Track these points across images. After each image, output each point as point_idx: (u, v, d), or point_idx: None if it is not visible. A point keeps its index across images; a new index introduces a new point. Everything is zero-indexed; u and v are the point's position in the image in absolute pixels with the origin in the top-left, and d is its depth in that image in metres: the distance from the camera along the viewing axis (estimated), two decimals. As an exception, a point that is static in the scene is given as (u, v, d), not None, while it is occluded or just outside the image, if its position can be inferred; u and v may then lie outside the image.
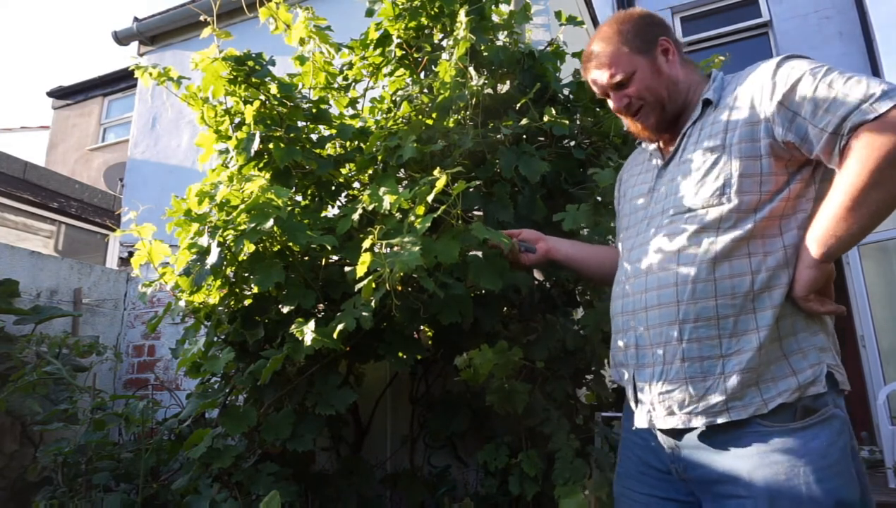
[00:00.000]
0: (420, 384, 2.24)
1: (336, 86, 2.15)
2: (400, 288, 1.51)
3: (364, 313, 1.47)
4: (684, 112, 1.12)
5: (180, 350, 1.93)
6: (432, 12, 2.02)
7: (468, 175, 1.67)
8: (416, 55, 2.09)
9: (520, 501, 1.84)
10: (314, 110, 1.93)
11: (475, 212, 1.76)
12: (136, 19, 4.85)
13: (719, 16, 6.50)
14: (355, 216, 1.60)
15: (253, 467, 1.76)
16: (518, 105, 1.96)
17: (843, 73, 0.92)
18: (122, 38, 4.95)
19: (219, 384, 1.97)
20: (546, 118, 1.80)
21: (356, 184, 2.05)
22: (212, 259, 1.57)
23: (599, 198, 1.83)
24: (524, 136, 1.90)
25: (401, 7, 2.03)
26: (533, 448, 1.80)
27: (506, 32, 2.06)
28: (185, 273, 1.71)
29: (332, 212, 1.96)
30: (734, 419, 0.94)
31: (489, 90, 1.97)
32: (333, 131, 1.95)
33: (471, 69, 1.91)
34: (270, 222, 1.53)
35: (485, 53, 1.94)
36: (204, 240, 1.61)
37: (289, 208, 1.70)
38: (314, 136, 1.96)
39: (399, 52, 2.11)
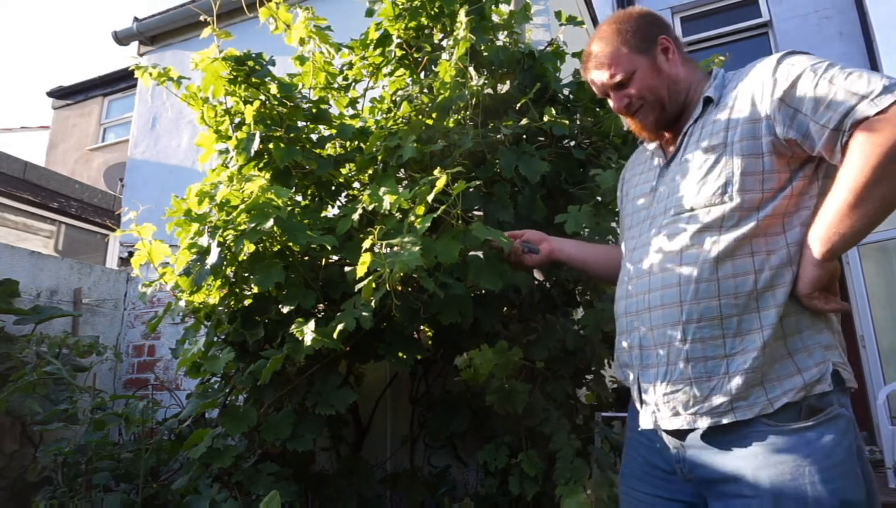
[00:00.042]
0: (420, 384, 2.24)
1: (336, 86, 2.16)
2: (400, 288, 1.51)
3: (364, 313, 1.47)
4: (685, 111, 1.11)
5: (180, 350, 1.93)
6: (432, 12, 2.02)
7: (468, 175, 1.67)
8: (416, 55, 2.09)
9: (520, 501, 1.84)
10: (314, 110, 1.93)
11: (475, 212, 1.76)
12: (136, 19, 4.85)
13: (719, 16, 6.50)
14: (355, 216, 1.60)
15: (253, 467, 1.76)
16: (518, 105, 1.96)
17: (843, 68, 0.91)
18: (122, 38, 4.95)
19: (219, 384, 1.98)
20: (546, 118, 1.80)
21: (356, 184, 2.05)
22: (212, 259, 1.57)
23: (599, 199, 1.83)
24: (524, 136, 1.90)
25: (401, 7, 2.03)
26: (533, 448, 1.80)
27: (506, 32, 2.06)
28: (185, 273, 1.71)
29: (332, 212, 1.96)
30: (739, 419, 0.94)
31: (489, 90, 1.98)
32: (333, 131, 1.95)
33: (471, 69, 1.91)
34: (270, 222, 1.53)
35: (485, 53, 1.94)
36: (204, 240, 1.61)
37: (289, 208, 1.70)
38: (314, 136, 1.96)
39: (399, 52, 2.11)
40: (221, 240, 1.59)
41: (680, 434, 1.02)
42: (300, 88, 2.02)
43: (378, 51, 2.14)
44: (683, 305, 0.99)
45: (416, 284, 1.66)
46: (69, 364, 2.76)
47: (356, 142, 2.01)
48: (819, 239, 0.91)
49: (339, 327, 1.45)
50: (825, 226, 0.90)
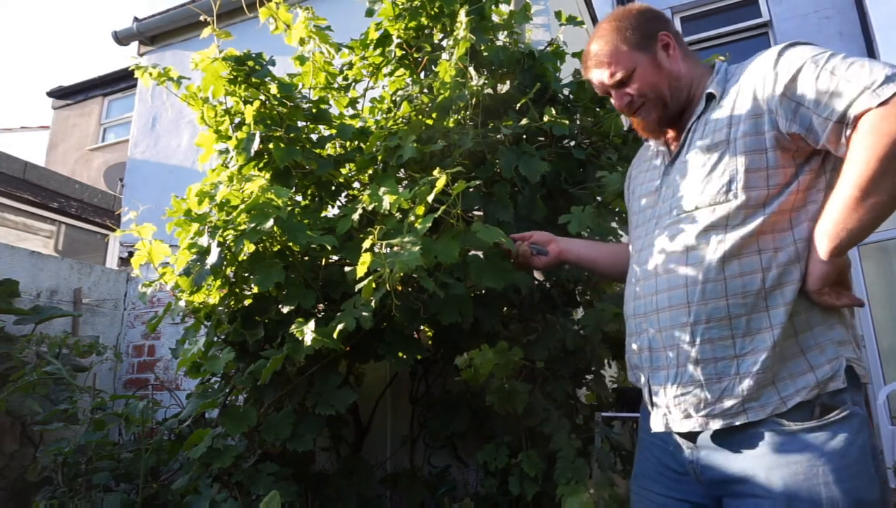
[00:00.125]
0: (420, 384, 2.24)
1: (336, 86, 2.16)
2: (400, 288, 1.51)
3: (364, 313, 1.47)
4: (688, 107, 1.10)
5: (180, 350, 1.93)
6: (432, 12, 2.02)
7: (468, 175, 1.67)
8: (416, 55, 2.09)
9: (520, 501, 1.84)
10: (314, 110, 1.93)
11: (475, 212, 1.76)
12: (136, 19, 4.85)
13: (719, 16, 6.50)
14: (355, 216, 1.60)
15: (253, 467, 1.76)
16: (518, 105, 1.96)
17: (845, 58, 0.89)
18: (122, 38, 4.95)
19: (219, 384, 1.98)
20: (546, 118, 1.80)
21: (356, 184, 2.05)
22: (212, 259, 1.57)
23: (599, 199, 1.83)
24: (524, 136, 1.90)
25: (401, 7, 2.03)
26: (533, 448, 1.80)
27: (506, 32, 2.06)
28: (185, 273, 1.71)
29: (332, 212, 1.96)
30: (752, 420, 0.93)
31: (489, 90, 1.97)
32: (333, 131, 1.95)
33: (471, 69, 1.91)
34: (270, 222, 1.53)
35: (485, 53, 1.94)
36: (204, 240, 1.61)
37: (289, 208, 1.70)
38: (314, 136, 1.96)
39: (399, 52, 2.11)
40: (221, 240, 1.59)
41: (692, 436, 1.01)
42: (300, 88, 2.02)
43: (378, 51, 2.14)
44: (691, 306, 0.98)
45: (416, 284, 1.67)
46: (69, 364, 2.76)
47: (356, 142, 2.01)
48: (826, 235, 0.89)
49: (339, 327, 1.45)
50: (832, 221, 0.88)
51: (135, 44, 5.00)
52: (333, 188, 1.98)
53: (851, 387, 0.92)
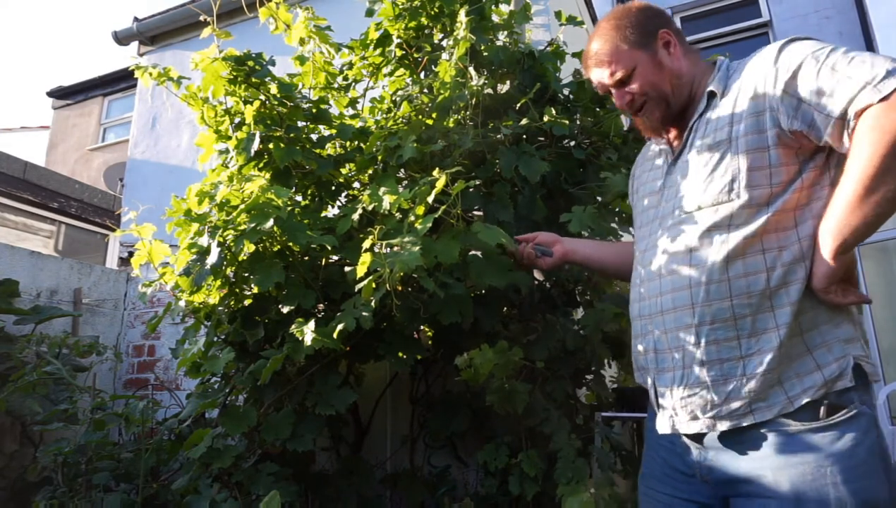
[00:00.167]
0: (420, 384, 2.24)
1: (336, 86, 2.16)
2: (400, 288, 1.51)
3: (364, 313, 1.47)
4: (690, 105, 1.08)
5: (180, 350, 1.93)
6: (432, 12, 2.02)
7: (468, 175, 1.67)
8: (416, 55, 2.09)
9: (520, 501, 1.84)
10: (314, 110, 1.93)
11: (475, 212, 1.76)
12: (136, 19, 4.85)
13: (719, 16, 6.50)
14: (355, 216, 1.60)
15: (253, 467, 1.76)
16: (518, 105, 1.96)
17: (846, 52, 0.88)
18: (122, 38, 4.95)
19: (219, 384, 1.98)
20: (546, 118, 1.80)
21: (356, 184, 2.05)
22: (212, 259, 1.57)
23: (600, 199, 1.83)
24: (524, 136, 1.90)
25: (401, 7, 2.03)
26: (533, 448, 1.80)
27: (506, 32, 2.06)
28: (185, 273, 1.71)
29: (332, 212, 1.96)
30: (759, 420, 0.92)
31: (489, 90, 1.98)
32: (333, 131, 1.95)
33: (471, 69, 1.91)
34: (270, 222, 1.53)
35: (485, 53, 1.94)
36: (204, 240, 1.61)
37: (289, 208, 1.70)
38: (314, 136, 1.96)
39: (399, 52, 2.11)
40: (221, 240, 1.59)
41: (698, 437, 1.00)
42: (300, 88, 2.03)
43: (378, 51, 2.14)
44: (695, 307, 0.97)
45: (416, 284, 1.67)
46: (69, 364, 2.76)
47: (356, 142, 2.01)
48: (830, 233, 0.88)
49: (339, 327, 1.45)
50: (836, 219, 0.87)
51: (135, 44, 5.00)
52: (333, 188, 1.98)
53: (859, 386, 0.90)
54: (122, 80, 10.05)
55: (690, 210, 1.00)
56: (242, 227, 1.55)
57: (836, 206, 0.88)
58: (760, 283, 0.93)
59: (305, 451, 1.74)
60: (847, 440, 0.87)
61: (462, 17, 1.79)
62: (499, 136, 1.84)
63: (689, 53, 1.11)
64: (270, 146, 1.79)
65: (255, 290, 1.82)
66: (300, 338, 1.50)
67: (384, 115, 2.12)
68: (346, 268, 1.71)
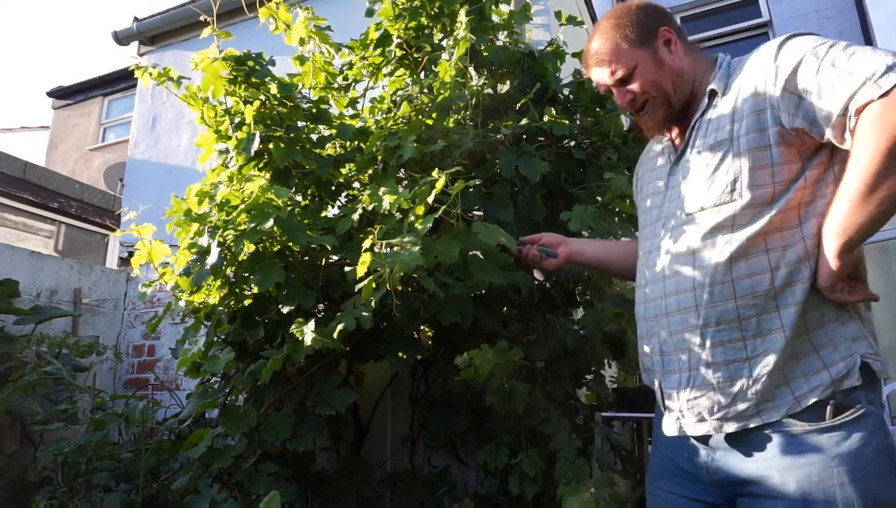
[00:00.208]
0: (420, 384, 2.24)
1: (336, 86, 2.16)
2: (400, 288, 1.51)
3: (364, 313, 1.47)
4: (692, 103, 1.07)
5: (180, 350, 1.93)
6: (432, 12, 2.02)
7: (468, 175, 1.67)
8: (416, 55, 2.10)
9: (520, 501, 1.84)
10: (314, 110, 1.93)
11: (475, 212, 1.76)
12: (136, 19, 4.85)
13: (719, 16, 6.50)
14: (355, 216, 1.60)
15: (253, 467, 1.76)
16: (518, 105, 1.96)
17: (847, 47, 0.87)
18: (122, 38, 4.95)
19: (219, 384, 1.98)
20: (546, 118, 1.80)
21: (356, 184, 2.05)
22: (212, 259, 1.57)
23: (599, 199, 1.83)
24: (524, 136, 1.90)
25: (401, 7, 2.03)
26: (533, 448, 1.80)
27: (506, 32, 2.06)
28: (185, 273, 1.71)
29: (332, 212, 1.96)
30: (766, 421, 0.92)
31: (489, 90, 1.98)
32: (333, 131, 1.95)
33: (471, 69, 1.91)
34: (270, 222, 1.53)
35: (485, 53, 1.94)
36: (204, 240, 1.61)
37: (289, 208, 1.70)
38: (314, 136, 1.96)
39: (399, 52, 2.11)
40: (221, 240, 1.59)
41: (704, 438, 1.00)
42: (300, 88, 2.03)
43: (378, 51, 2.14)
44: (700, 309, 0.96)
45: (416, 284, 1.67)
46: (69, 364, 2.76)
47: (356, 142, 2.01)
48: (834, 232, 0.87)
49: (339, 327, 1.45)
50: (839, 218, 0.86)
51: (135, 44, 5.00)
52: (333, 188, 1.98)
53: (867, 384, 0.89)
54: (122, 80, 10.05)
55: (693, 211, 1.00)
56: (242, 227, 1.55)
57: (839, 205, 0.87)
58: (765, 284, 0.92)
59: (305, 451, 1.74)
60: (854, 440, 0.87)
61: (462, 17, 1.79)
62: (499, 136, 1.84)
63: (691, 51, 1.10)
64: (270, 146, 1.79)
65: (255, 290, 1.82)
66: (300, 338, 1.50)
67: (384, 115, 2.12)
68: (346, 268, 1.71)
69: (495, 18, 2.06)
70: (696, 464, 1.02)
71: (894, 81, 0.80)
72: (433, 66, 2.02)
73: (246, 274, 1.77)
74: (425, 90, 1.95)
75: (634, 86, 1.07)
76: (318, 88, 2.09)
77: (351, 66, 2.19)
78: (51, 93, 10.99)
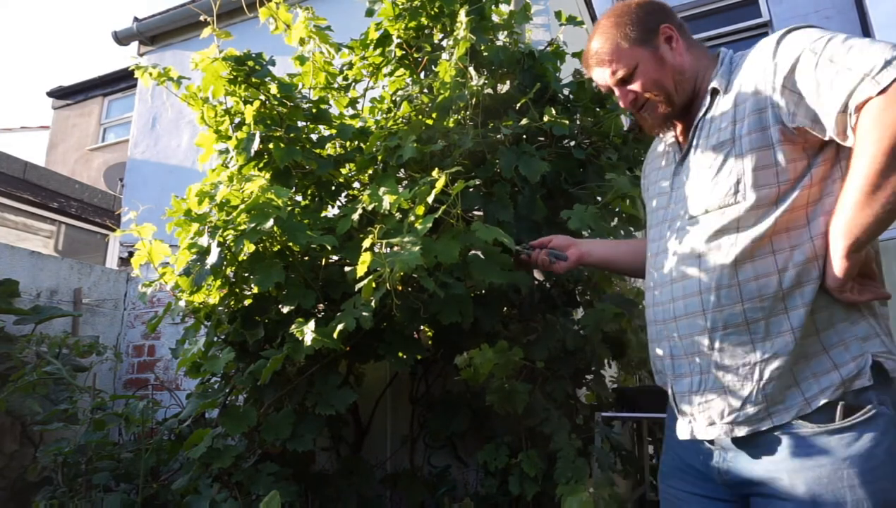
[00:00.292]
0: (420, 384, 2.24)
1: (336, 86, 2.16)
2: (400, 287, 1.51)
3: (364, 313, 1.47)
4: (695, 100, 1.05)
5: (180, 350, 1.93)
6: (432, 12, 2.02)
7: (468, 175, 1.67)
8: (416, 55, 2.10)
9: (520, 501, 1.84)
10: (314, 110, 1.93)
11: (475, 212, 1.76)
12: (136, 19, 4.85)
13: (719, 16, 6.50)
14: (355, 216, 1.60)
15: (253, 467, 1.76)
16: (518, 105, 1.96)
17: (846, 41, 0.85)
18: (122, 38, 4.95)
19: (219, 384, 1.98)
20: (546, 118, 1.80)
21: (356, 184, 2.05)
22: (212, 259, 1.57)
23: (599, 199, 1.83)
24: (524, 136, 1.90)
25: (401, 7, 2.03)
26: (533, 448, 1.80)
27: (506, 32, 2.06)
28: (185, 273, 1.71)
29: (332, 212, 1.96)
30: (777, 424, 0.91)
31: (489, 90, 1.98)
32: (333, 131, 1.95)
33: (471, 69, 1.91)
34: (270, 222, 1.53)
35: (485, 53, 1.94)
36: (204, 240, 1.61)
37: (289, 208, 1.70)
38: (314, 136, 1.96)
39: (399, 52, 2.11)
40: (221, 240, 1.59)
41: (715, 440, 1.00)
42: (300, 88, 2.03)
43: (378, 51, 2.14)
44: (707, 313, 0.95)
45: (416, 284, 1.67)
46: (69, 364, 2.76)
47: (356, 142, 2.01)
48: (841, 233, 0.86)
49: (339, 327, 1.45)
50: (845, 218, 0.85)
51: (135, 44, 5.00)
52: (333, 188, 1.98)
53: (878, 384, 0.88)
54: (122, 80, 10.05)
55: (697, 213, 0.99)
56: (242, 227, 1.55)
57: (844, 205, 0.85)
58: (772, 286, 0.90)
59: (305, 451, 1.74)
60: (864, 441, 0.85)
61: (462, 17, 1.79)
62: (499, 136, 1.84)
63: (693, 47, 1.08)
64: (270, 146, 1.79)
65: (255, 290, 1.82)
66: (300, 338, 1.50)
67: (384, 115, 2.12)
68: (346, 268, 1.71)
69: (495, 18, 2.06)
70: (708, 465, 1.01)
71: (893, 76, 0.78)
72: (433, 66, 2.02)
73: (246, 274, 1.77)
74: (425, 90, 1.95)
75: (636, 86, 1.06)
76: (318, 88, 2.09)
77: (351, 66, 2.19)
78: (51, 94, 11.00)
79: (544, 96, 2.01)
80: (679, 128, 1.10)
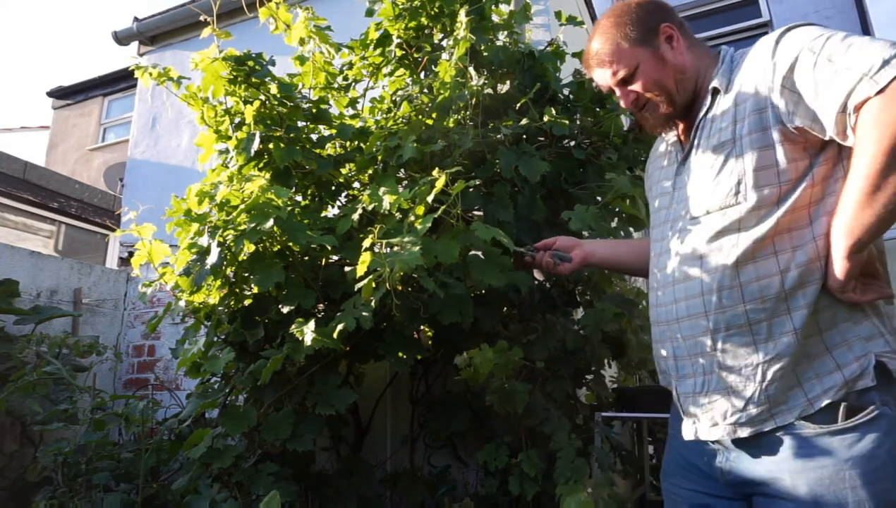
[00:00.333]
0: (420, 384, 2.24)
1: (336, 86, 2.16)
2: (400, 287, 1.51)
3: (364, 313, 1.47)
4: (697, 99, 1.05)
5: (180, 350, 1.93)
6: (432, 12, 2.02)
7: (468, 175, 1.67)
8: (416, 55, 2.10)
9: (520, 501, 1.84)
10: (314, 110, 1.94)
11: (475, 212, 1.76)
12: (136, 19, 4.85)
13: (719, 16, 6.50)
14: (355, 216, 1.60)
15: (253, 467, 1.76)
16: (518, 105, 1.96)
17: (844, 39, 0.84)
18: (122, 38, 4.95)
19: (219, 384, 1.98)
20: (546, 118, 1.80)
21: (356, 184, 2.06)
22: (212, 259, 1.57)
23: (599, 199, 1.83)
24: (524, 136, 1.90)
25: (401, 7, 2.03)
26: (533, 448, 1.80)
27: (506, 32, 2.06)
28: (185, 273, 1.71)
29: (332, 212, 1.96)
30: (780, 424, 0.91)
31: (489, 90, 1.98)
32: (333, 131, 1.95)
33: (471, 69, 1.91)
34: (270, 222, 1.53)
35: (485, 53, 1.94)
36: (204, 240, 1.61)
37: (289, 208, 1.70)
38: (314, 136, 1.96)
39: (399, 52, 2.11)
40: (221, 240, 1.59)
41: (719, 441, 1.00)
42: (300, 88, 2.03)
43: (378, 51, 2.14)
44: (709, 315, 0.95)
45: (416, 284, 1.67)
46: (69, 364, 2.76)
47: (356, 142, 2.01)
48: (842, 233, 0.85)
49: (339, 327, 1.45)
50: (846, 218, 0.84)
51: (135, 44, 5.00)
52: (333, 188, 1.98)
53: (881, 385, 0.87)
54: (122, 80, 10.06)
55: (698, 214, 0.98)
56: (242, 227, 1.55)
57: (845, 205, 0.85)
58: (774, 287, 0.90)
59: (305, 451, 1.74)
60: (867, 442, 0.85)
61: (462, 17, 1.79)
62: (499, 136, 1.84)
63: (694, 46, 1.07)
64: (270, 146, 1.79)
65: (255, 290, 1.82)
66: (300, 338, 1.50)
67: (384, 115, 2.12)
68: (346, 268, 1.71)
69: (495, 18, 2.06)
70: (712, 465, 1.01)
71: (891, 76, 0.78)
72: (433, 66, 2.02)
73: (246, 274, 1.77)
74: (425, 90, 1.95)
75: (637, 86, 1.06)
76: (318, 88, 2.09)
77: (351, 66, 2.19)
78: (51, 94, 11.00)
79: (544, 96, 2.01)
80: (681, 127, 1.10)
